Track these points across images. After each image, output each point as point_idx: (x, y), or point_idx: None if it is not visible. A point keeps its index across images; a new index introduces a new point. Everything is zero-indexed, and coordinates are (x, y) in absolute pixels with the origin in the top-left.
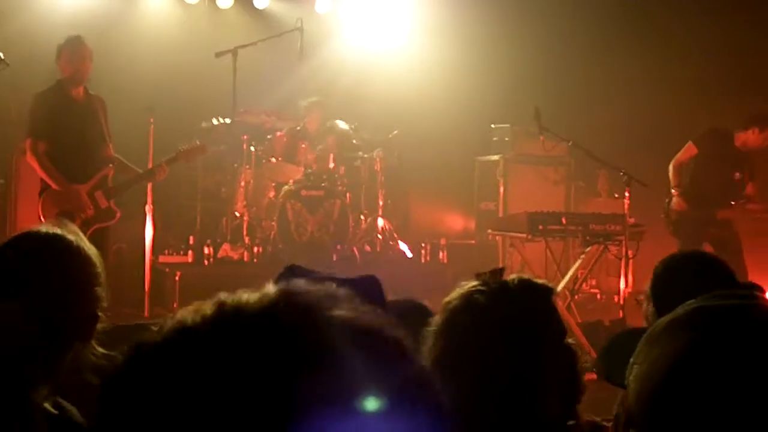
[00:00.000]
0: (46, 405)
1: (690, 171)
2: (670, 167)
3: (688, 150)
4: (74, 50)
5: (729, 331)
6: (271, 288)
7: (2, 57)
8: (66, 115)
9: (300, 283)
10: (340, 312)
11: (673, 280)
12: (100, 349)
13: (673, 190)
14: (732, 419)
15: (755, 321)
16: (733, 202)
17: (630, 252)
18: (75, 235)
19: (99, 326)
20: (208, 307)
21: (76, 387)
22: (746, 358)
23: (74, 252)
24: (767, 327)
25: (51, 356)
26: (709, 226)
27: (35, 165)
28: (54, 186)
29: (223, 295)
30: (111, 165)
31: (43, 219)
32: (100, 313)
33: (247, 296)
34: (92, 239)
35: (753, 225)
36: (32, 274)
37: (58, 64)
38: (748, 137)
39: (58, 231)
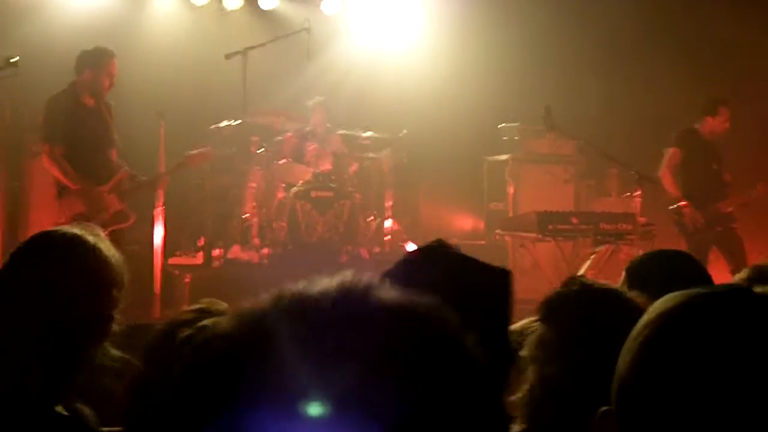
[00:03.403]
0: (59, 408)
1: (680, 175)
2: (663, 178)
3: (674, 155)
4: (109, 63)
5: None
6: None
7: (14, 61)
8: (79, 119)
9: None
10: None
11: (648, 277)
12: (115, 352)
13: (681, 203)
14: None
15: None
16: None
17: (641, 252)
18: (95, 236)
19: (115, 328)
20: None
21: (91, 389)
22: (727, 335)
23: (90, 253)
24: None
25: (67, 358)
26: (715, 224)
27: (54, 169)
28: (75, 188)
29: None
30: (125, 168)
31: (62, 221)
32: (116, 315)
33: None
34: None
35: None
36: (48, 275)
37: (84, 69)
38: (709, 126)
39: (77, 231)
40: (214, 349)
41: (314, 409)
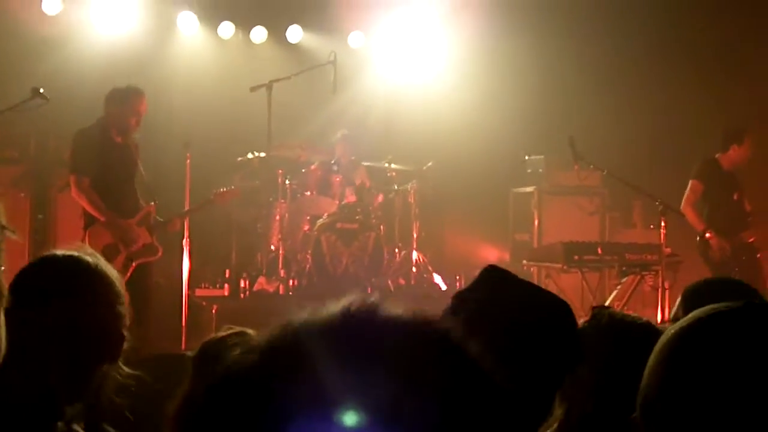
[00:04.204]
0: (77, 428)
1: (703, 207)
2: (686, 212)
3: (695, 188)
4: (136, 101)
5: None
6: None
7: (42, 92)
8: (107, 154)
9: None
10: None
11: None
12: (126, 369)
13: (707, 235)
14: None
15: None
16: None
17: (666, 283)
18: (92, 256)
19: (126, 345)
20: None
21: (105, 407)
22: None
23: (91, 272)
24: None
25: (78, 376)
26: (740, 254)
27: (82, 200)
28: (103, 219)
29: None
30: (153, 202)
31: None
32: (125, 332)
33: None
34: (135, 274)
35: None
36: (51, 297)
37: (111, 106)
38: (732, 156)
39: (75, 253)
40: (249, 363)
41: (349, 419)
